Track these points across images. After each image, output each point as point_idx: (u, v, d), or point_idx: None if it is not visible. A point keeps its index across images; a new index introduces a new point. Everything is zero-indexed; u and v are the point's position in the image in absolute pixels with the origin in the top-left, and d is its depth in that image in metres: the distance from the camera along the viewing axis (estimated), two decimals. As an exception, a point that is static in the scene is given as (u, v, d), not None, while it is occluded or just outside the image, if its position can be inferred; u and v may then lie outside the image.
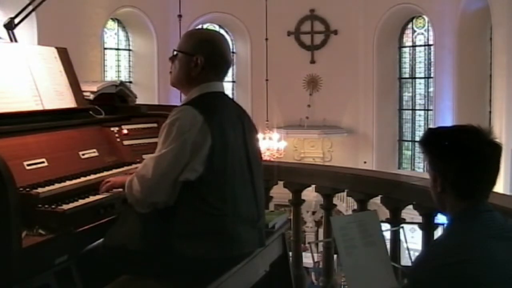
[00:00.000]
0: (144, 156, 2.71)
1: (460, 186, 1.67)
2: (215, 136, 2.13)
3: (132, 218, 2.22)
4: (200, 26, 13.90)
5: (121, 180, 2.34)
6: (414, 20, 13.79)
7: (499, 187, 1.88)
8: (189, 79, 2.29)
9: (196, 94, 2.26)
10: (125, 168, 2.63)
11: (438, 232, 3.16)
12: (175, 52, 2.34)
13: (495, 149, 1.66)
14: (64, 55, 2.82)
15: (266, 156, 11.51)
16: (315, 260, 7.47)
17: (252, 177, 2.32)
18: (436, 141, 1.72)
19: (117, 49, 13.22)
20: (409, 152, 14.16)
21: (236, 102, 2.45)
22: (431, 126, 12.56)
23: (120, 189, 2.34)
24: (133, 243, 2.17)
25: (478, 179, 1.66)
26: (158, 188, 2.11)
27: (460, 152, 1.65)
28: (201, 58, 2.25)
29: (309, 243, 9.03)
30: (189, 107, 2.17)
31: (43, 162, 2.33)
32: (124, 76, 13.10)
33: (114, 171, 2.56)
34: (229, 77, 14.53)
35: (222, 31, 14.34)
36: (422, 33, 13.77)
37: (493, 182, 1.69)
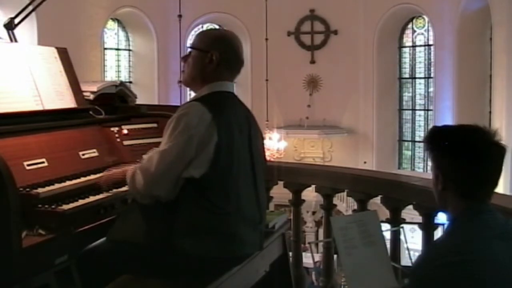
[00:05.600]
0: (144, 157, 2.71)
1: (462, 185, 1.67)
2: (221, 134, 2.13)
3: (136, 214, 2.22)
4: (200, 26, 13.93)
5: (121, 171, 2.34)
6: (414, 20, 13.79)
7: (500, 187, 1.87)
8: (203, 76, 2.28)
9: (206, 91, 2.26)
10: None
11: (438, 232, 3.15)
12: (189, 50, 2.34)
13: (499, 150, 1.66)
14: (64, 55, 2.82)
15: (266, 156, 11.50)
16: (315, 260, 7.46)
17: (255, 180, 2.32)
18: (440, 139, 1.72)
19: (117, 49, 13.22)
20: (409, 152, 14.16)
21: (245, 105, 2.42)
22: (431, 126, 12.56)
23: (123, 189, 2.34)
24: (136, 238, 2.18)
25: (480, 179, 1.66)
26: (161, 182, 2.11)
27: (464, 151, 1.65)
28: (216, 54, 2.25)
29: (309, 243, 9.02)
30: (199, 103, 2.16)
31: (43, 162, 2.33)
32: (124, 76, 13.10)
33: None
34: (229, 77, 14.54)
35: (222, 31, 14.36)
36: (422, 33, 13.77)
37: (495, 183, 1.69)
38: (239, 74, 2.37)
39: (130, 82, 12.80)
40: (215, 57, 2.25)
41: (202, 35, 2.40)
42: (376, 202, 3.49)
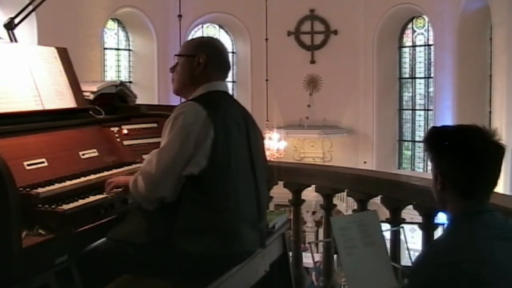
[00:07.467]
0: (144, 156, 2.71)
1: (461, 185, 1.67)
2: (217, 130, 2.15)
3: (136, 213, 2.24)
4: (200, 26, 13.94)
5: (124, 179, 2.35)
6: (414, 20, 13.80)
7: (500, 187, 1.88)
8: (192, 79, 2.33)
9: (200, 92, 2.30)
10: (125, 168, 2.63)
11: (438, 232, 3.15)
12: (176, 59, 2.39)
13: (498, 150, 1.65)
14: (64, 55, 2.82)
15: (266, 156, 11.49)
16: (315, 260, 7.46)
17: (255, 178, 2.33)
18: (438, 140, 1.72)
19: (117, 49, 13.23)
20: (409, 152, 14.17)
21: (241, 104, 2.46)
22: (431, 126, 12.56)
23: (120, 189, 2.35)
24: (136, 237, 2.18)
25: (479, 179, 1.66)
26: (162, 182, 2.13)
27: (462, 151, 1.65)
28: (203, 56, 2.31)
29: (309, 243, 9.02)
30: (193, 102, 2.21)
31: (43, 162, 2.33)
32: (124, 76, 13.11)
33: (114, 171, 2.56)
34: (229, 77, 14.46)
35: (222, 31, 14.39)
36: (422, 33, 13.77)
37: (494, 183, 1.69)
38: (227, 77, 2.45)
39: (130, 82, 12.81)
40: (202, 60, 2.31)
41: (186, 43, 2.57)
42: (376, 202, 3.48)
